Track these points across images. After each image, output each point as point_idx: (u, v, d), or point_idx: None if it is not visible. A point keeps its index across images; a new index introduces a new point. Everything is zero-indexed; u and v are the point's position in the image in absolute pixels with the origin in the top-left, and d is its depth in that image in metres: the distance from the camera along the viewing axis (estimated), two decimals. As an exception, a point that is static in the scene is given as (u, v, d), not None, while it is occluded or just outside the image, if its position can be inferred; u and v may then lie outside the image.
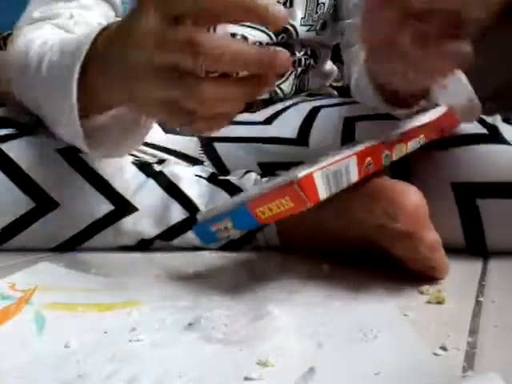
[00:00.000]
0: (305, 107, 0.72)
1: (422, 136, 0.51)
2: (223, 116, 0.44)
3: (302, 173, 0.40)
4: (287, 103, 0.76)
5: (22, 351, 0.36)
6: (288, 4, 0.74)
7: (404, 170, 0.58)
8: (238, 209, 0.43)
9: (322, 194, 0.41)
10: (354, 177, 0.43)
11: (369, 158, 0.44)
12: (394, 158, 0.48)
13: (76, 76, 0.48)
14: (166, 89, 0.42)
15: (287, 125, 0.70)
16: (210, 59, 0.40)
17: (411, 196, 0.47)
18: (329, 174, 0.41)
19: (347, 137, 0.64)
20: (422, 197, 0.48)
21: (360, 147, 0.45)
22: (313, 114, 0.70)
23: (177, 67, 0.40)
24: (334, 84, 0.93)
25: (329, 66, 0.87)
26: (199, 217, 0.48)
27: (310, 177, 0.40)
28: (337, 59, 0.93)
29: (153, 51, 0.41)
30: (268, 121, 0.73)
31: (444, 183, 0.57)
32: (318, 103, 0.73)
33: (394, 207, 0.46)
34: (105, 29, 0.48)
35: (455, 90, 0.53)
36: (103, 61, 0.47)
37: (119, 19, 0.69)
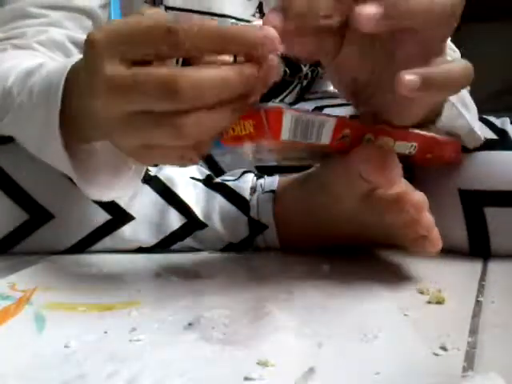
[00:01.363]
0: (306, 107, 0.72)
1: (414, 143, 0.49)
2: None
3: (273, 104, 0.39)
4: (286, 102, 0.76)
5: (22, 351, 0.36)
6: None
7: (408, 173, 0.57)
8: None
9: (285, 133, 0.39)
10: (326, 139, 0.41)
11: (347, 131, 0.42)
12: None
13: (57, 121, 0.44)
14: (143, 136, 0.38)
15: None
16: (189, 99, 0.35)
17: (389, 163, 0.45)
18: (299, 120, 0.39)
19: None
20: (395, 159, 0.45)
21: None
22: None
23: (151, 112, 0.36)
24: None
25: None
26: None
27: (279, 111, 0.39)
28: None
29: (119, 101, 0.37)
30: None
31: (451, 189, 0.56)
32: (320, 103, 0.72)
33: (364, 166, 0.45)
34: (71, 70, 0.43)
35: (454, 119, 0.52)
36: (75, 108, 0.43)
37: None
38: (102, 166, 0.49)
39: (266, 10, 0.71)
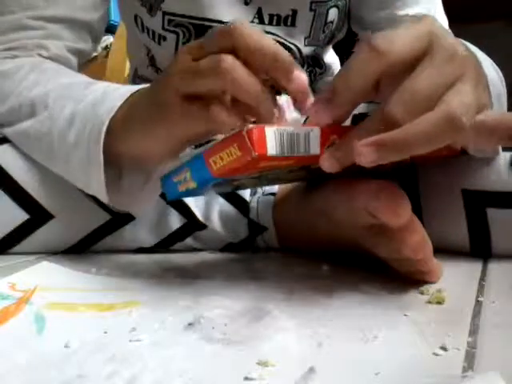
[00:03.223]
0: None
1: None
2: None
3: (255, 125, 0.39)
4: None
5: (22, 351, 0.36)
6: (290, 23, 0.71)
7: (411, 170, 0.57)
8: (196, 158, 0.42)
9: (272, 149, 0.39)
10: (316, 150, 0.41)
11: (335, 136, 0.41)
12: None
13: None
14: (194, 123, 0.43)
15: None
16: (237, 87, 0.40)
17: (392, 193, 0.44)
18: (283, 133, 0.39)
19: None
20: (404, 195, 0.45)
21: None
22: None
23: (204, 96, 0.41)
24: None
25: (329, 57, 0.84)
26: (169, 167, 0.47)
27: (260, 128, 0.39)
28: (342, 61, 0.91)
29: (179, 81, 0.41)
30: None
31: (454, 189, 0.55)
32: None
33: (374, 204, 0.44)
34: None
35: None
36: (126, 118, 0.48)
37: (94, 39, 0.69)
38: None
39: (265, 15, 0.70)
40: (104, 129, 0.48)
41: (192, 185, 0.43)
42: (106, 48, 1.62)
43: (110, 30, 1.54)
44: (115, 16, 1.18)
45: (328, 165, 0.39)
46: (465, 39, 0.72)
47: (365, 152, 0.36)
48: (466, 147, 0.48)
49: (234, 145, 0.39)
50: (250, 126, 0.38)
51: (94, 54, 1.58)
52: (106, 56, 1.55)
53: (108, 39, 1.63)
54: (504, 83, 0.53)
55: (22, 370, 0.33)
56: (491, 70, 0.49)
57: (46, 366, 0.34)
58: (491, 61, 0.53)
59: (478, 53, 0.48)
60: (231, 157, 0.39)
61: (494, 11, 1.81)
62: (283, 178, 0.52)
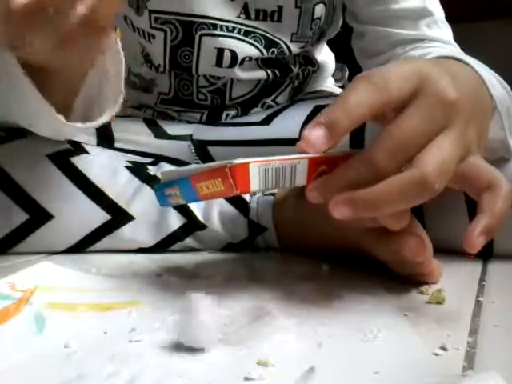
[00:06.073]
0: (306, 106, 0.70)
1: None
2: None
3: (239, 160, 0.39)
4: (278, 102, 0.75)
5: (22, 351, 0.36)
6: (276, 18, 0.71)
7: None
8: (184, 179, 0.43)
9: (255, 185, 0.39)
10: (302, 181, 0.41)
11: (323, 167, 0.42)
12: None
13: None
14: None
15: (287, 124, 0.68)
16: None
17: None
18: (268, 168, 0.40)
19: (356, 136, 0.60)
20: None
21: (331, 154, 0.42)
22: (316, 112, 0.68)
23: None
24: (336, 85, 0.91)
25: (323, 55, 0.83)
26: (162, 176, 0.47)
27: (244, 166, 0.39)
28: (340, 59, 0.90)
29: None
30: (266, 121, 0.72)
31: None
32: (320, 102, 0.71)
33: (384, 217, 0.43)
34: None
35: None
36: None
37: None
38: None
39: (251, 10, 0.70)
40: None
41: (181, 201, 0.44)
42: (106, 48, 1.62)
43: (110, 30, 1.54)
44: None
45: (312, 197, 0.40)
46: (465, 38, 0.71)
47: (338, 208, 0.37)
48: None
49: (219, 179, 0.39)
50: (235, 161, 0.39)
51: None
52: (106, 56, 1.54)
53: (108, 39, 1.62)
54: (511, 93, 0.53)
55: (21, 370, 0.33)
56: (498, 88, 0.49)
57: (46, 366, 0.34)
58: (498, 77, 0.52)
59: (483, 71, 0.47)
60: (215, 188, 0.40)
61: (494, 10, 1.81)
62: None
